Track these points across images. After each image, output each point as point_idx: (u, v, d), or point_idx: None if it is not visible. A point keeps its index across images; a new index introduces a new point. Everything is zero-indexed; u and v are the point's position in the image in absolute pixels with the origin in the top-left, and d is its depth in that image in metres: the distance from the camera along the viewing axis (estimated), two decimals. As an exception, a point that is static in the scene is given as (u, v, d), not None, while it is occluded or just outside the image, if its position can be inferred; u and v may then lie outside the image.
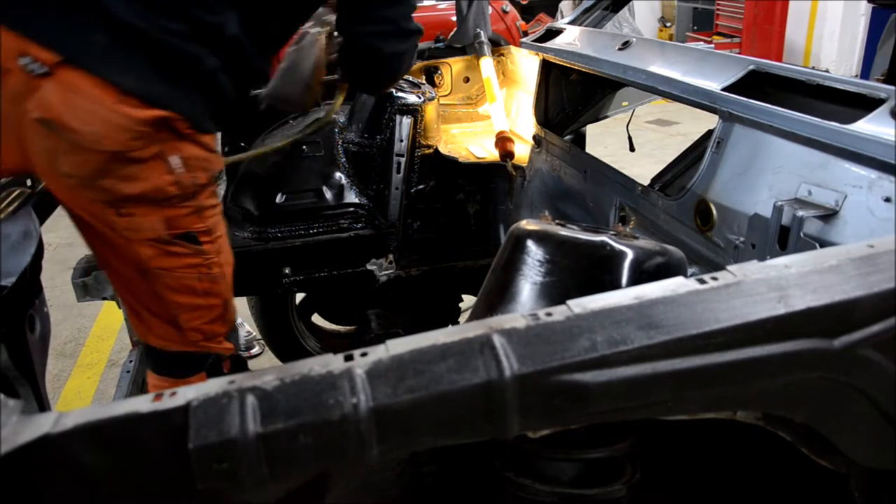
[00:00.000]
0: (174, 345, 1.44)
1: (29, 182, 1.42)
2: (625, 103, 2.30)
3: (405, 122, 2.22)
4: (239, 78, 1.34)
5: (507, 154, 2.32)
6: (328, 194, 2.25)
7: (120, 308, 1.85)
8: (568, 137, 2.28)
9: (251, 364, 3.09)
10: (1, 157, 1.21)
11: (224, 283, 1.42)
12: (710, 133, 1.45)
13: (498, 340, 0.58)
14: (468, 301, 2.72)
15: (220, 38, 1.26)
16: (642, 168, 2.97)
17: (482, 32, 2.60)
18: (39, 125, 1.14)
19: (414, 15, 1.60)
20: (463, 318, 2.68)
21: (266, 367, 0.59)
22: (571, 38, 2.16)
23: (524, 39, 2.46)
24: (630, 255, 1.08)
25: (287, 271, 2.18)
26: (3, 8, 1.11)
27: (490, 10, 2.87)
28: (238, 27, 1.28)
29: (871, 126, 1.09)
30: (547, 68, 2.23)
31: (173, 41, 1.19)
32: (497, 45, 2.68)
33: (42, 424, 0.53)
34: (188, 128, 1.25)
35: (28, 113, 1.14)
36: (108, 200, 1.23)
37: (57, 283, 3.75)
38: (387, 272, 2.31)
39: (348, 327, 2.94)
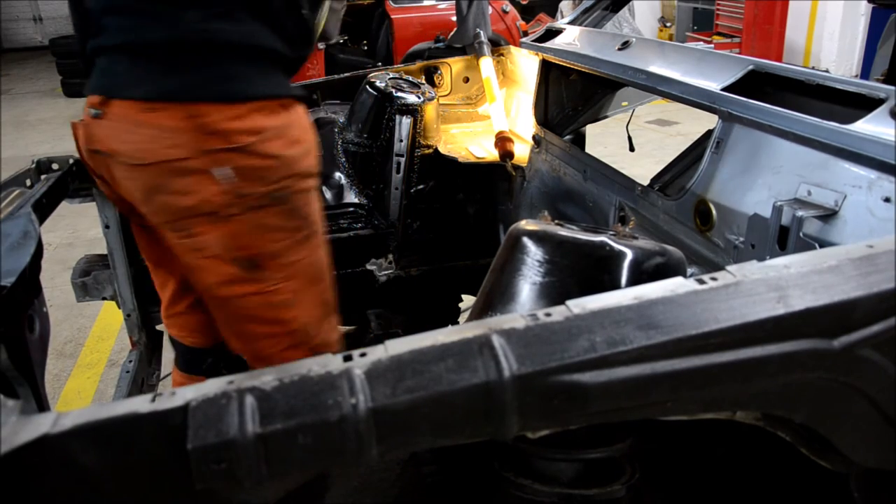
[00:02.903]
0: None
1: (29, 182, 1.42)
2: (624, 103, 2.30)
3: (405, 122, 2.22)
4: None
5: (506, 154, 2.32)
6: (328, 194, 2.25)
7: (119, 308, 1.85)
8: (568, 137, 2.28)
9: (251, 364, 3.08)
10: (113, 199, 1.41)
11: (298, 308, 1.36)
12: (709, 133, 1.45)
13: (497, 341, 0.58)
14: (468, 301, 2.72)
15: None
16: (642, 168, 2.98)
17: (482, 32, 2.59)
18: (97, 156, 1.30)
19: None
20: (463, 318, 2.68)
21: (265, 368, 0.59)
22: (571, 38, 2.16)
23: (524, 39, 2.46)
24: (629, 255, 1.08)
25: (287, 271, 2.17)
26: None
27: (490, 10, 2.87)
28: None
29: (870, 126, 1.09)
30: (547, 68, 2.23)
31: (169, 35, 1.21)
32: (497, 45, 2.68)
33: (41, 424, 0.53)
34: (226, 120, 1.19)
35: (92, 153, 1.31)
36: (167, 221, 1.27)
37: (57, 283, 3.75)
38: (386, 272, 2.31)
39: (348, 327, 2.94)
